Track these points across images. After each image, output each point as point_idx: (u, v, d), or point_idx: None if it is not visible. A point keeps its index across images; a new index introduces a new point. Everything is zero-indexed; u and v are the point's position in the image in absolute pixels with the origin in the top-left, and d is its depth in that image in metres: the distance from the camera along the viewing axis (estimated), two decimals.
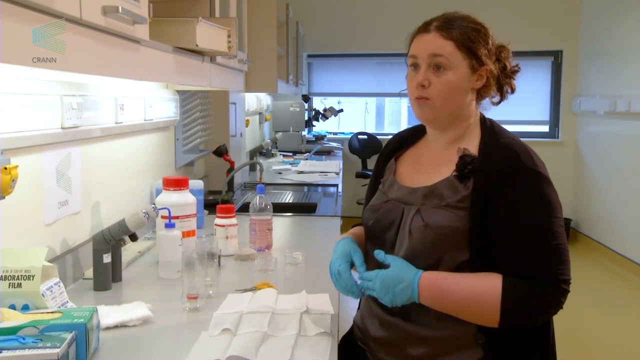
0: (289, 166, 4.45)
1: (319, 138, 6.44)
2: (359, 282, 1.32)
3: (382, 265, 1.30)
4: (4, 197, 1.26)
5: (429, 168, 1.37)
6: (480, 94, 1.36)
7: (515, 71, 1.39)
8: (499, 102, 1.40)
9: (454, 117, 1.34)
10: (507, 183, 1.23)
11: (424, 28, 1.34)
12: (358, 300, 1.45)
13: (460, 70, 1.30)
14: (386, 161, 1.50)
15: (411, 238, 1.29)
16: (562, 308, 1.23)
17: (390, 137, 1.58)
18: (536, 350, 1.29)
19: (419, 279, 1.23)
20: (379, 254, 1.31)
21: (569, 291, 1.22)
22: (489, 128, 1.35)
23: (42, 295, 1.29)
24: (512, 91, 1.40)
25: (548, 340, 1.31)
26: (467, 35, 1.30)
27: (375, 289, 1.26)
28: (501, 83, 1.38)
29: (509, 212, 1.22)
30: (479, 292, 1.21)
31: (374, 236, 1.39)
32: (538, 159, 1.28)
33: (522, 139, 1.33)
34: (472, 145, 1.32)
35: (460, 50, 1.29)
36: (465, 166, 1.26)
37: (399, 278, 1.24)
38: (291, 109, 5.81)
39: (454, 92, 1.31)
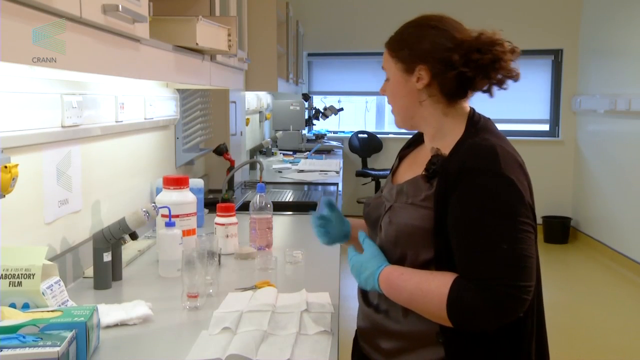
0: (289, 165, 4.45)
1: (319, 137, 6.44)
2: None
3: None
4: (4, 196, 1.26)
5: (415, 167, 1.37)
6: (444, 92, 1.29)
7: (494, 60, 1.24)
8: (487, 91, 1.29)
9: (409, 120, 1.36)
10: (461, 184, 1.19)
11: None
12: (359, 299, 1.44)
13: (394, 76, 1.33)
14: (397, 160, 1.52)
15: (380, 234, 1.34)
16: (514, 315, 1.16)
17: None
18: (507, 355, 1.24)
19: (380, 272, 1.27)
20: (360, 235, 1.37)
21: (520, 298, 1.14)
22: (473, 125, 1.29)
23: (42, 293, 1.29)
24: (502, 81, 1.27)
25: (521, 346, 1.25)
26: (397, 40, 1.33)
27: (354, 275, 1.33)
28: (477, 74, 1.26)
29: (461, 213, 1.19)
30: (427, 289, 1.20)
31: (369, 230, 1.44)
32: (508, 159, 1.21)
33: (510, 137, 1.26)
34: (451, 145, 1.27)
35: (392, 57, 1.33)
36: (430, 166, 1.26)
37: (365, 266, 1.29)
38: (291, 107, 5.81)
39: (395, 98, 1.36)
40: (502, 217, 1.17)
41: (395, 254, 1.29)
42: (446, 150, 1.26)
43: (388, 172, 1.53)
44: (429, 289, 1.20)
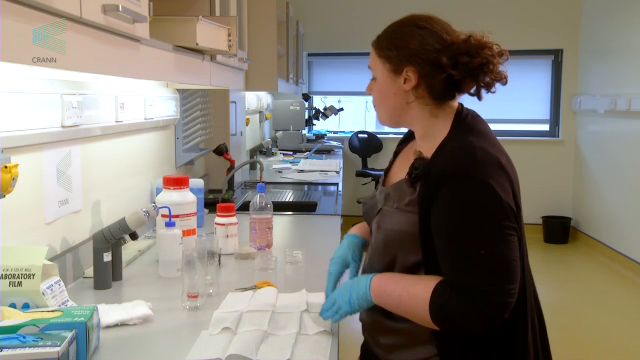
0: (289, 165, 4.44)
1: (319, 137, 6.44)
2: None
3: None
4: (4, 196, 1.26)
5: (406, 167, 1.35)
6: (432, 94, 1.27)
7: (483, 63, 1.23)
8: (475, 95, 1.28)
9: (397, 119, 1.35)
10: (440, 190, 1.18)
11: None
12: None
13: (382, 76, 1.33)
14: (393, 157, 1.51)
15: (371, 238, 1.36)
16: (498, 319, 1.15)
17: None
18: (500, 356, 1.23)
19: (370, 282, 1.27)
20: (328, 291, 1.40)
21: (503, 302, 1.14)
22: (459, 126, 1.27)
23: (43, 293, 1.29)
24: (490, 84, 1.26)
25: (515, 348, 1.24)
26: (385, 40, 1.33)
27: (342, 307, 1.31)
28: (465, 77, 1.25)
29: (441, 220, 1.19)
30: (413, 293, 1.20)
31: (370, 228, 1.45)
32: (487, 162, 1.18)
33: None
34: (436, 145, 1.26)
35: (379, 57, 1.33)
36: (413, 170, 1.24)
37: (353, 289, 1.30)
38: (291, 107, 5.81)
39: (381, 98, 1.35)
40: (480, 223, 1.16)
41: (385, 258, 1.30)
42: (432, 152, 1.25)
43: None
44: (414, 293, 1.20)
